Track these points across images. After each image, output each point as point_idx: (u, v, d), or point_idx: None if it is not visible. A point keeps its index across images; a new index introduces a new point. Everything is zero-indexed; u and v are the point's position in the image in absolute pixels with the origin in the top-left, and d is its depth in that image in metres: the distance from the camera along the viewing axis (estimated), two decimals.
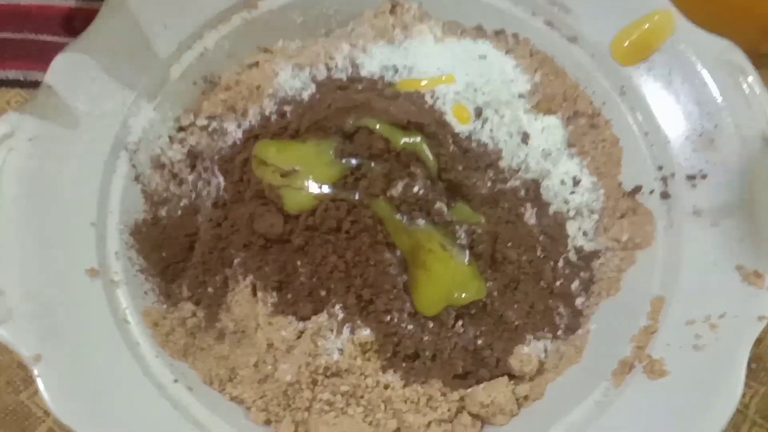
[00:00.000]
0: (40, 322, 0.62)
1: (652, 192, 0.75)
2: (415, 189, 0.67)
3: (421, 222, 0.67)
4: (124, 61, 0.73)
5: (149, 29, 0.75)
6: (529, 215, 0.74)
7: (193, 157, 0.76)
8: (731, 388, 0.62)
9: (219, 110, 0.77)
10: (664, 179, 0.74)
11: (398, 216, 0.67)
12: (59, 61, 0.70)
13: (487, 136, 0.73)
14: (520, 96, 0.79)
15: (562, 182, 0.76)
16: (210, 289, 0.71)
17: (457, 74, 0.73)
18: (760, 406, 0.78)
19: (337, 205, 0.66)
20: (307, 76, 0.75)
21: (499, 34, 0.83)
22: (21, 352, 0.60)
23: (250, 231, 0.69)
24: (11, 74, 0.92)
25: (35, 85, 0.90)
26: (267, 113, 0.73)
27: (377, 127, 0.67)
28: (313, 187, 0.68)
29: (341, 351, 0.66)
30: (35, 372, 0.60)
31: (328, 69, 0.76)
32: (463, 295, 0.68)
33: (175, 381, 0.65)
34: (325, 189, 0.68)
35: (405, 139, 0.67)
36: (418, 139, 0.67)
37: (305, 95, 0.74)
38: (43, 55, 0.91)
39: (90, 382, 0.61)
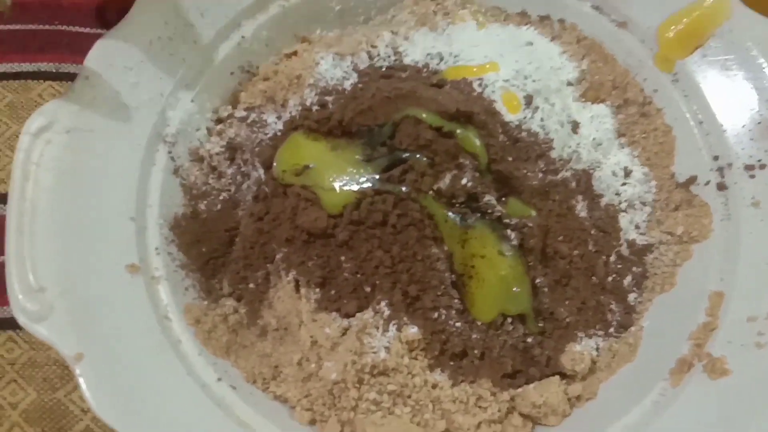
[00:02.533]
0: (81, 319, 0.60)
1: (708, 183, 0.72)
2: (464, 181, 0.65)
3: (472, 220, 0.65)
4: (162, 51, 0.71)
5: (187, 18, 0.73)
6: (581, 208, 0.72)
7: (232, 150, 0.74)
8: None
9: (258, 101, 0.75)
10: (720, 170, 0.71)
11: (450, 214, 0.64)
12: (96, 50, 0.69)
13: (537, 125, 0.70)
14: (569, 84, 0.76)
15: (614, 173, 0.73)
16: (251, 285, 0.69)
17: (506, 61, 0.71)
18: None
19: (383, 198, 0.64)
20: (348, 65, 0.73)
21: (544, 19, 0.80)
22: (62, 350, 0.59)
23: (292, 225, 0.67)
24: (43, 66, 0.91)
25: (67, 77, 0.89)
26: (308, 104, 0.71)
27: (424, 116, 0.64)
28: (347, 185, 0.66)
29: (388, 349, 0.64)
30: (77, 371, 0.58)
31: (370, 57, 0.74)
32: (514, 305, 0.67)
33: (219, 380, 0.63)
34: (369, 183, 0.66)
35: (454, 129, 0.65)
36: (468, 129, 0.65)
37: (347, 85, 0.72)
38: (75, 47, 0.90)
39: (133, 381, 0.60)
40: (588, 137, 0.73)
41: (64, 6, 0.93)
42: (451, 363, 0.66)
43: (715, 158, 0.72)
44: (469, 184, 0.65)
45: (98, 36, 0.71)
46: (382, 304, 0.65)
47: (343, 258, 0.66)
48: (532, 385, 0.66)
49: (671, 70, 0.75)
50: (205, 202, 0.73)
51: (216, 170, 0.74)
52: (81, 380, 0.58)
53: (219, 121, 0.76)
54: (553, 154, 0.71)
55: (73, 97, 0.67)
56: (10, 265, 0.61)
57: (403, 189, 0.64)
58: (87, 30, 0.92)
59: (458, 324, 0.66)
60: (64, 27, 0.92)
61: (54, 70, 0.91)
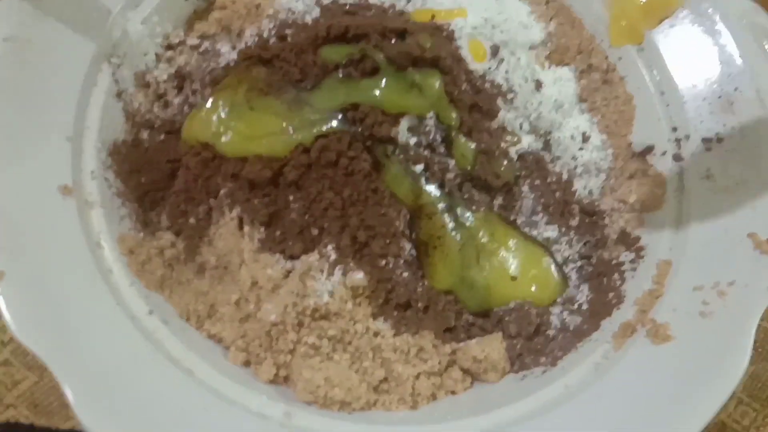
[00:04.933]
0: (6, 237, 0.56)
1: (664, 153, 0.72)
2: (425, 128, 0.63)
3: (433, 189, 0.65)
4: None
5: None
6: None
7: (181, 78, 0.70)
8: (737, 357, 0.59)
9: (212, 30, 0.72)
10: (677, 141, 0.71)
11: (408, 178, 0.64)
12: None
13: (501, 77, 0.68)
14: (533, 44, 0.74)
15: (572, 137, 0.72)
16: (192, 220, 0.66)
17: (475, 9, 0.69)
18: (747, 384, 0.77)
19: (338, 138, 0.62)
20: None
21: None
22: None
23: (240, 159, 0.64)
24: None
25: None
26: (265, 35, 0.68)
27: (381, 58, 0.62)
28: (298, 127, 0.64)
29: (331, 293, 0.62)
30: None
31: None
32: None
33: (150, 313, 0.60)
34: (323, 123, 0.63)
35: (418, 77, 0.63)
36: (437, 82, 0.63)
37: (308, 19, 0.69)
38: None
39: (57, 306, 0.56)
40: (550, 98, 0.72)
41: None
42: (395, 313, 0.64)
43: (674, 129, 0.72)
44: (429, 129, 0.63)
45: None
46: (329, 247, 0.63)
47: (291, 198, 0.64)
48: (474, 340, 0.64)
49: (640, 42, 0.74)
50: (148, 130, 0.69)
51: (162, 98, 0.70)
52: (1, 300, 0.54)
53: (169, 47, 0.72)
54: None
55: (13, 3, 0.62)
56: None
57: (358, 130, 0.62)
58: None
59: (405, 274, 0.64)
60: None
61: None
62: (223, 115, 0.65)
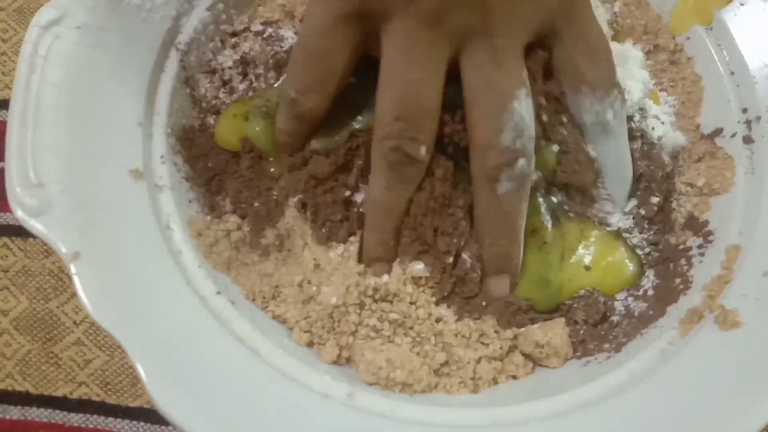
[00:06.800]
0: (80, 218, 0.58)
1: (734, 135, 0.69)
2: None
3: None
4: None
5: None
6: None
7: (245, 65, 0.72)
8: None
9: (276, 16, 0.73)
10: (748, 122, 0.69)
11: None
12: None
13: None
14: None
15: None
16: (256, 204, 0.67)
17: None
18: None
19: None
20: None
21: None
22: (58, 248, 0.56)
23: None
24: None
25: None
26: None
27: None
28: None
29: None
30: (72, 270, 0.56)
31: None
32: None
33: (218, 293, 0.61)
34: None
35: None
36: None
37: None
38: None
39: (130, 286, 0.57)
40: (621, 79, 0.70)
41: None
42: (458, 299, 0.65)
43: (744, 111, 0.70)
44: None
45: None
46: None
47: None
48: (536, 325, 0.64)
49: (710, 22, 0.72)
50: (214, 116, 0.71)
51: (227, 84, 0.72)
52: (76, 279, 0.55)
53: (234, 34, 0.73)
54: None
55: None
56: (11, 158, 0.58)
57: None
58: None
59: (474, 275, 0.65)
60: None
61: None
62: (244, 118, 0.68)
